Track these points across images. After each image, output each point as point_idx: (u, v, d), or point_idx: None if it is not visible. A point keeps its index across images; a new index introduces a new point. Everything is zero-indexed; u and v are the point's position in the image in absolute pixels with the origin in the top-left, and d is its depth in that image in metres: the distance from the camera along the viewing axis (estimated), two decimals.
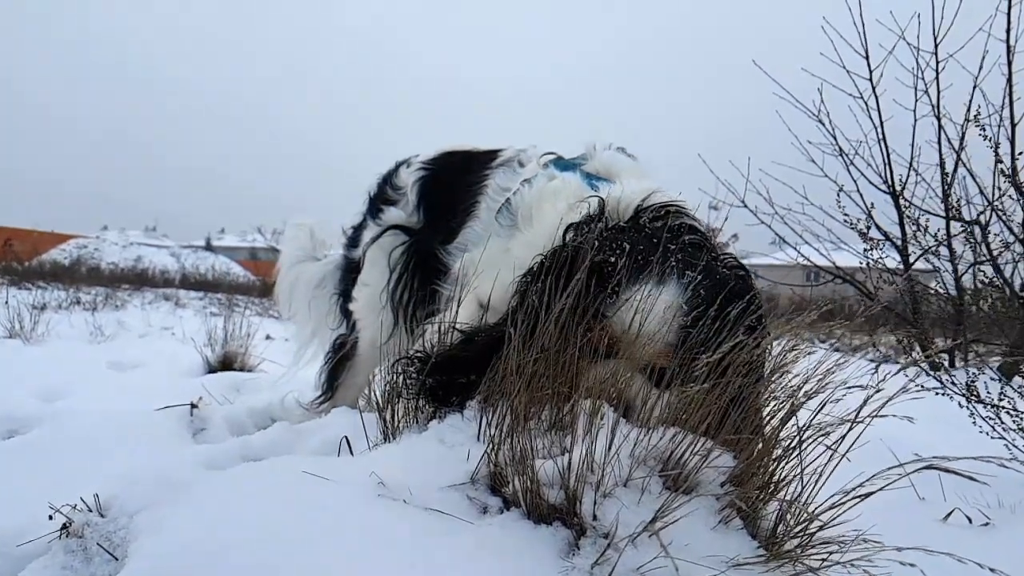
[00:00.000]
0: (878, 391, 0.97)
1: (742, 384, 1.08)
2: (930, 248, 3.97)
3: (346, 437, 1.58)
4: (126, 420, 2.10)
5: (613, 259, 1.24)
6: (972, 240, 3.52)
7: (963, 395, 2.09)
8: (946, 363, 4.08)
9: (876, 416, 0.95)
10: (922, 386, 1.00)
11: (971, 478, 0.90)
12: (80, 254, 23.47)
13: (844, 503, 0.97)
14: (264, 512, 1.11)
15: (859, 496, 0.95)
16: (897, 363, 3.84)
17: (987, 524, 1.65)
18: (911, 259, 4.15)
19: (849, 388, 1.02)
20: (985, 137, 2.83)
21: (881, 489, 0.92)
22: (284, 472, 1.28)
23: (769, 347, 1.18)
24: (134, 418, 2.13)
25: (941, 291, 4.11)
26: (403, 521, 1.11)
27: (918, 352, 3.62)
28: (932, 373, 2.19)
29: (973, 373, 2.16)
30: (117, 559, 1.10)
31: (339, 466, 1.33)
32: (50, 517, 1.18)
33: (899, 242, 4.20)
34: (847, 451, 0.96)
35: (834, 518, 0.98)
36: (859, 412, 0.98)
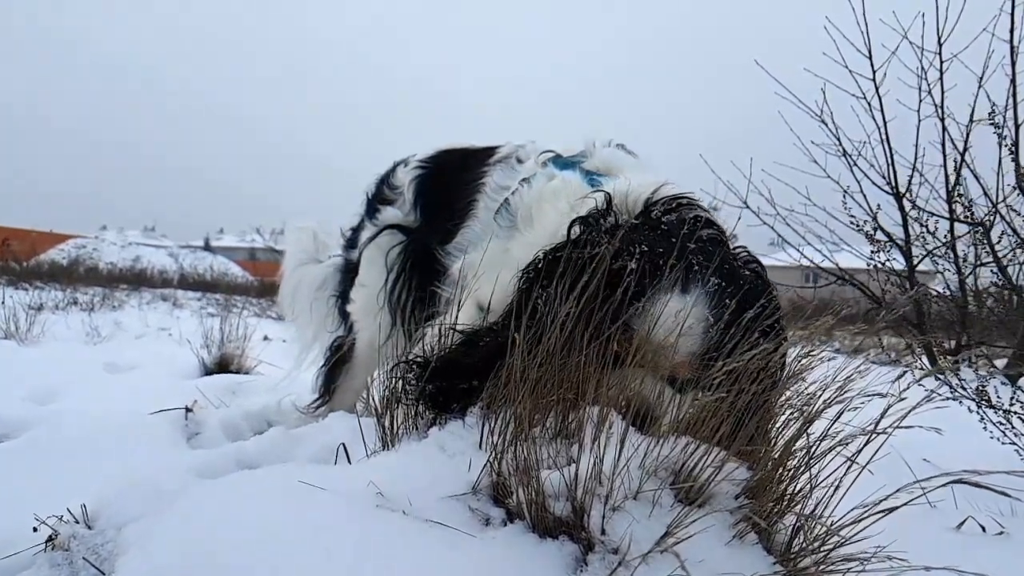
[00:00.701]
0: (901, 400, 0.92)
1: (759, 391, 1.03)
2: (933, 250, 3.94)
3: (343, 444, 1.54)
4: (119, 424, 2.05)
5: (633, 265, 1.18)
6: (983, 241, 3.48)
7: (973, 399, 2.06)
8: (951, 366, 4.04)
9: (899, 427, 0.91)
10: (940, 394, 0.96)
11: (1004, 494, 0.86)
12: (79, 254, 23.39)
13: (865, 518, 0.93)
14: (258, 525, 1.07)
15: (882, 511, 0.91)
16: (899, 365, 3.80)
17: (1001, 533, 1.61)
18: (915, 261, 4.11)
19: (868, 396, 0.98)
20: (1000, 136, 2.79)
21: (906, 504, 0.88)
22: (279, 481, 1.23)
23: (786, 352, 1.14)
24: (127, 422, 2.09)
25: (944, 293, 4.07)
26: (403, 533, 1.06)
27: (924, 356, 3.58)
28: (942, 377, 2.15)
29: (983, 377, 2.12)
30: (104, 574, 1.06)
31: (336, 475, 1.28)
32: (35, 529, 1.13)
33: (902, 244, 4.16)
34: (868, 462, 0.92)
35: (855, 533, 0.94)
36: (878, 423, 0.94)
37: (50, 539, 1.12)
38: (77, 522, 1.15)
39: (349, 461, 1.51)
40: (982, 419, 2.07)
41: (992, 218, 3.59)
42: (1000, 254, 3.55)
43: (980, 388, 2.06)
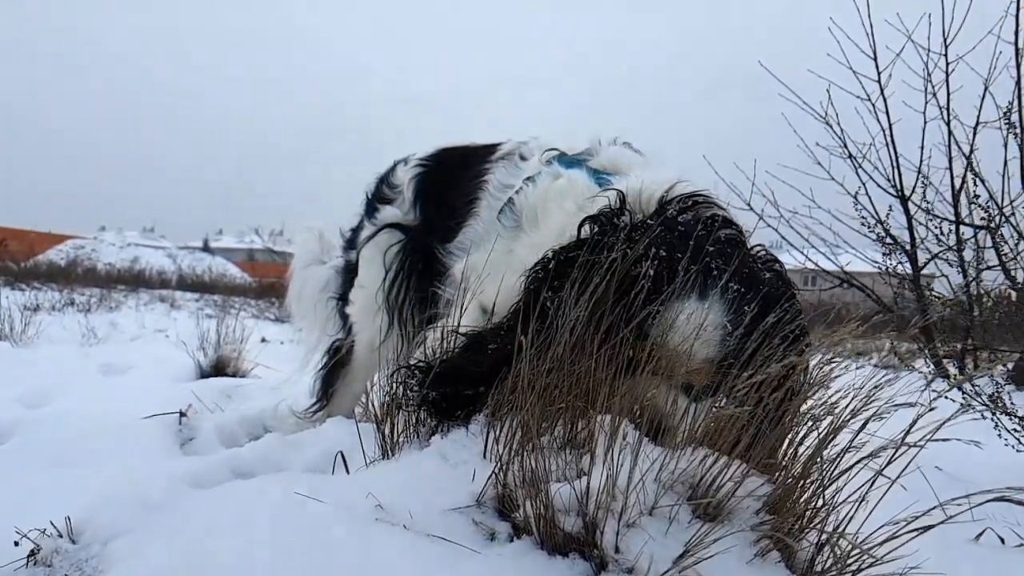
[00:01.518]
0: (931, 410, 0.87)
1: (780, 400, 0.98)
2: (938, 254, 3.90)
3: (341, 452, 1.48)
4: (110, 429, 1.99)
5: (652, 270, 1.13)
6: (993, 244, 3.44)
7: (988, 407, 2.00)
8: (957, 372, 4.00)
9: (933, 440, 0.86)
10: (974, 407, 0.91)
11: None
12: (77, 255, 23.26)
13: (899, 535, 0.88)
14: (252, 540, 1.01)
15: (917, 529, 0.86)
16: (908, 370, 3.74)
17: (1022, 545, 1.56)
18: (920, 265, 4.06)
19: (897, 407, 0.93)
20: (1013, 135, 2.74)
21: (942, 522, 0.83)
22: (274, 493, 1.18)
23: (809, 359, 1.09)
24: (120, 427, 2.03)
25: (948, 296, 4.03)
26: (403, 549, 1.01)
27: (929, 361, 3.53)
28: (953, 382, 2.10)
29: (999, 384, 2.07)
30: None
31: (334, 486, 1.23)
32: (16, 543, 1.08)
33: (907, 247, 4.11)
34: (899, 476, 0.87)
35: (888, 552, 0.88)
36: (907, 434, 0.89)
37: (32, 554, 1.06)
38: (61, 536, 1.09)
39: (347, 470, 1.46)
40: (996, 426, 2.02)
41: (999, 220, 3.54)
42: (1006, 258, 3.51)
43: (995, 395, 2.01)
